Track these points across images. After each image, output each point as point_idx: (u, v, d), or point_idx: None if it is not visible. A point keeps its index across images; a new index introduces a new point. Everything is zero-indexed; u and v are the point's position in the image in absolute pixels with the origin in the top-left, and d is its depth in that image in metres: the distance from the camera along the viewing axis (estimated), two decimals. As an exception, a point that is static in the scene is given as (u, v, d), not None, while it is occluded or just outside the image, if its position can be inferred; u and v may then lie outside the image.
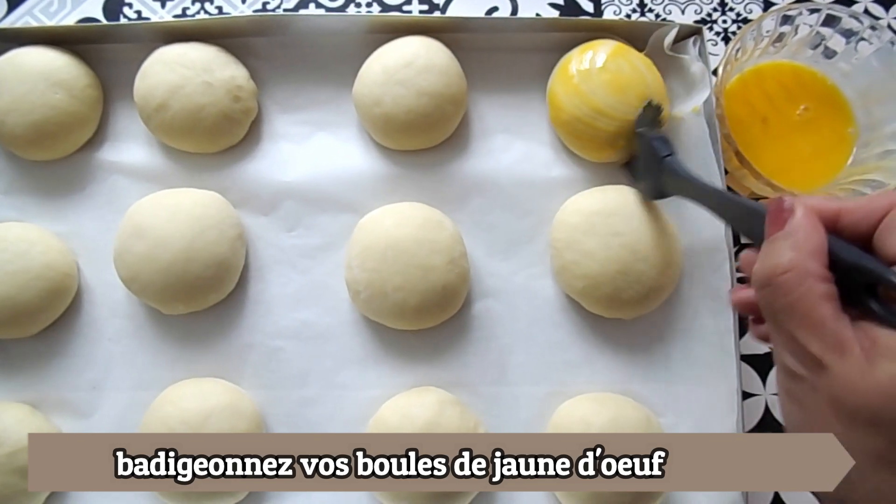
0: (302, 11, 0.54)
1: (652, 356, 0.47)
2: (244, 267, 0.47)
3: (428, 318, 0.45)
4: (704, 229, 0.47)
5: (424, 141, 0.48)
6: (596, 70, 0.45)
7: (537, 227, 0.48)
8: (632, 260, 0.44)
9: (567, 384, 0.46)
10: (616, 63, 0.45)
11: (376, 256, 0.44)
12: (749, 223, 0.31)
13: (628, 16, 0.54)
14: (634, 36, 0.49)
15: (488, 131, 0.50)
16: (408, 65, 0.46)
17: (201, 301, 0.46)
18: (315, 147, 0.49)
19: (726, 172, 0.47)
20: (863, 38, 0.48)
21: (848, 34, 0.49)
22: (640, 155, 0.45)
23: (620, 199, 0.46)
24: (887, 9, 0.54)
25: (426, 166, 0.49)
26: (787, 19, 0.48)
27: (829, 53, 0.50)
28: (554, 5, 0.55)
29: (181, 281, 0.44)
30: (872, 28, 0.47)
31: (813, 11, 0.48)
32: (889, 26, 0.47)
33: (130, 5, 0.55)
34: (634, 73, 0.45)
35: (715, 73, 0.49)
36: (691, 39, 0.48)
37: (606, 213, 0.45)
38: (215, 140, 0.48)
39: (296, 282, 0.48)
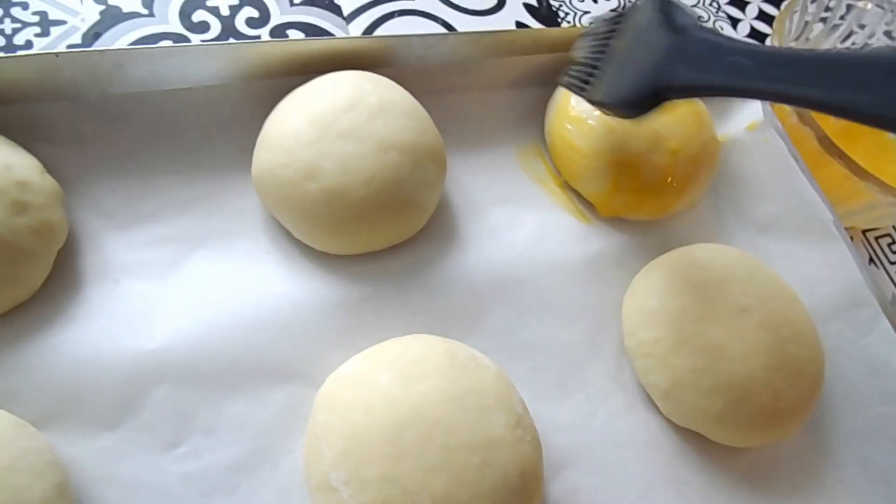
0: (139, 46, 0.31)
1: (842, 477, 0.29)
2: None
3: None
4: (822, 281, 0.32)
5: (399, 229, 0.28)
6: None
7: (597, 334, 0.30)
8: (782, 344, 0.27)
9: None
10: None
11: (383, 450, 0.22)
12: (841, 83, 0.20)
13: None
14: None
15: (478, 204, 0.32)
16: (351, 107, 0.27)
17: None
18: (192, 279, 0.27)
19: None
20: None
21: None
22: (615, 49, 0.28)
23: (720, 258, 0.30)
24: None
25: (404, 273, 0.29)
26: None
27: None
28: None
29: None
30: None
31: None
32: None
33: None
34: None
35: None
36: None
37: (717, 283, 0.28)
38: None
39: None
